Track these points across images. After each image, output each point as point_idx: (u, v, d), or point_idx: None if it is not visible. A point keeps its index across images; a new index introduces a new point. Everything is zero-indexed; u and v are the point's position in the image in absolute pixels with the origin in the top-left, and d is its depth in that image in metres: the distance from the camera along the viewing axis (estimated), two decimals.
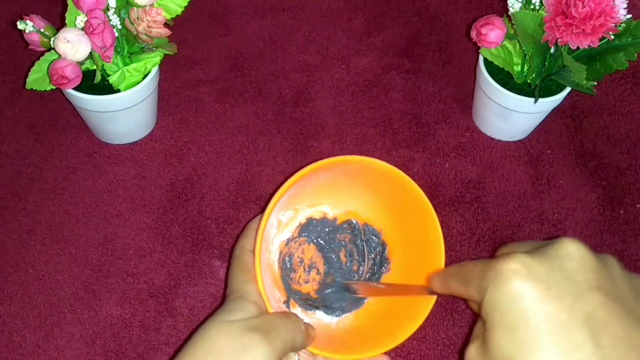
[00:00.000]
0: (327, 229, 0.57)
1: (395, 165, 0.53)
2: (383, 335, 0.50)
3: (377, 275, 0.56)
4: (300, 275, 0.56)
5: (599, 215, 0.64)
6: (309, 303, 0.54)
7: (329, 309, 0.54)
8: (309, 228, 0.57)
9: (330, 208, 0.57)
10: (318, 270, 0.56)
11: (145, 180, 0.65)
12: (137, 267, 0.60)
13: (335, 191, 0.57)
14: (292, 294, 0.54)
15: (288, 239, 0.56)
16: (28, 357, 0.55)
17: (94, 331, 0.56)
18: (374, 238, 0.57)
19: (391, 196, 0.55)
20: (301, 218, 0.57)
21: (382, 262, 0.56)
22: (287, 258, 0.56)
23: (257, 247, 0.47)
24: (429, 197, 0.64)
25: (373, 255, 0.57)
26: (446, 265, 0.51)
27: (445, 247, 0.61)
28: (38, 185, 0.64)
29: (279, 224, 0.56)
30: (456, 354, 0.56)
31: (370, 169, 0.53)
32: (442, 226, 0.62)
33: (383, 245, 0.56)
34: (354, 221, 0.57)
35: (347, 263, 0.57)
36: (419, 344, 0.56)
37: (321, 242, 0.57)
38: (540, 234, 0.63)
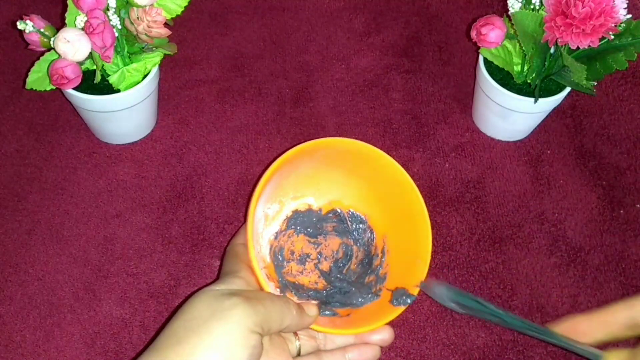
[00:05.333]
0: (314, 220, 0.58)
1: None
2: (384, 308, 0.50)
3: (367, 260, 0.56)
4: (293, 267, 0.56)
5: (599, 215, 0.64)
6: (303, 293, 0.54)
7: (343, 304, 0.54)
8: (295, 220, 0.58)
9: (314, 199, 0.58)
10: (316, 264, 0.57)
11: (145, 180, 0.65)
12: (137, 267, 0.60)
13: (318, 181, 0.58)
14: (286, 285, 0.54)
15: (277, 233, 0.57)
16: (28, 357, 0.55)
17: (94, 331, 0.56)
18: (360, 225, 0.58)
19: (372, 177, 0.56)
20: (287, 211, 0.58)
21: (369, 246, 0.57)
22: (277, 251, 0.56)
23: (249, 232, 0.48)
24: (429, 197, 0.65)
25: (362, 242, 0.57)
26: (433, 236, 0.52)
27: (445, 247, 0.61)
28: (38, 185, 0.64)
29: (266, 218, 0.57)
30: (456, 354, 0.56)
31: (349, 150, 0.54)
32: (442, 226, 0.63)
33: (370, 230, 0.57)
34: (338, 210, 0.58)
35: (337, 251, 0.57)
36: (419, 344, 0.56)
37: (310, 232, 0.58)
38: (540, 234, 0.63)
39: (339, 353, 0.49)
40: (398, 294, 0.50)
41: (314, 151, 0.53)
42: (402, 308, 0.49)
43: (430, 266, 0.51)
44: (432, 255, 0.60)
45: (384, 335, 0.49)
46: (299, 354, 0.48)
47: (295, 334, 0.49)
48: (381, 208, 0.57)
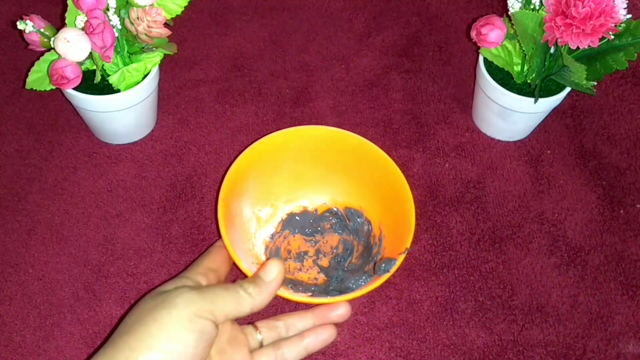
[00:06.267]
0: (310, 220, 0.58)
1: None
2: (373, 284, 0.50)
3: (367, 252, 0.56)
4: (291, 265, 0.56)
5: (599, 215, 0.64)
6: (302, 289, 0.54)
7: (341, 292, 0.54)
8: (291, 222, 0.58)
9: (309, 201, 0.59)
10: (315, 261, 0.57)
11: (145, 180, 0.65)
12: (137, 267, 0.60)
13: (308, 182, 0.58)
14: (284, 282, 0.54)
15: (272, 234, 0.58)
16: (28, 357, 0.55)
17: (94, 331, 0.56)
18: (358, 219, 0.58)
19: (354, 165, 0.56)
20: (282, 214, 0.59)
21: (368, 237, 0.57)
22: (273, 251, 0.57)
23: (220, 212, 0.48)
24: (429, 197, 0.65)
25: (361, 235, 0.57)
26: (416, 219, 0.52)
27: (445, 247, 0.61)
28: (38, 185, 0.64)
29: (259, 220, 0.57)
30: (456, 354, 0.56)
31: (322, 138, 0.55)
32: (442, 226, 0.63)
33: (368, 222, 0.57)
34: (334, 209, 0.58)
35: (337, 247, 0.57)
36: (418, 344, 0.56)
37: (307, 231, 0.58)
38: (540, 234, 0.63)
39: (296, 340, 0.49)
40: (382, 263, 0.50)
41: (286, 143, 0.54)
42: (385, 277, 0.49)
43: (416, 232, 0.51)
44: (432, 255, 0.61)
45: (340, 311, 0.50)
46: (261, 344, 0.49)
47: (256, 327, 0.49)
48: (373, 197, 0.57)
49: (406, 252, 0.50)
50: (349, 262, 0.57)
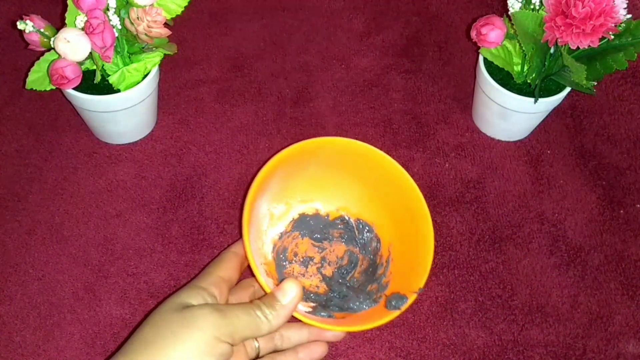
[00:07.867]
0: (320, 226, 0.58)
1: None
2: (379, 312, 0.50)
3: (371, 269, 0.56)
4: (295, 268, 0.56)
5: (599, 215, 0.64)
6: (303, 295, 0.54)
7: (342, 309, 0.53)
8: (302, 223, 0.58)
9: (322, 205, 0.58)
10: (319, 268, 0.57)
11: (145, 180, 0.65)
12: (137, 267, 0.60)
13: (325, 186, 0.58)
14: None
15: (281, 233, 0.57)
16: (28, 357, 0.55)
17: (94, 331, 0.56)
18: (368, 234, 0.57)
19: (379, 183, 0.56)
20: (294, 213, 0.58)
21: (375, 255, 0.56)
22: (280, 251, 0.56)
23: (245, 222, 0.48)
24: (429, 197, 0.64)
25: (368, 250, 0.57)
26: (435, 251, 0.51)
27: (445, 247, 0.61)
28: (38, 185, 0.64)
29: (272, 217, 0.57)
30: (456, 354, 0.56)
31: (352, 152, 0.54)
32: (442, 226, 0.63)
33: (377, 239, 0.57)
34: (346, 217, 0.58)
35: (342, 258, 0.57)
36: (418, 344, 0.56)
37: (316, 236, 0.58)
38: (540, 234, 0.63)
39: (291, 354, 0.50)
40: (393, 298, 0.49)
41: (316, 150, 0.54)
42: (395, 312, 0.48)
43: (429, 274, 0.50)
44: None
45: (336, 332, 0.50)
46: (258, 354, 0.49)
47: None
48: (388, 216, 0.56)
49: (420, 292, 0.49)
50: (352, 275, 0.56)
